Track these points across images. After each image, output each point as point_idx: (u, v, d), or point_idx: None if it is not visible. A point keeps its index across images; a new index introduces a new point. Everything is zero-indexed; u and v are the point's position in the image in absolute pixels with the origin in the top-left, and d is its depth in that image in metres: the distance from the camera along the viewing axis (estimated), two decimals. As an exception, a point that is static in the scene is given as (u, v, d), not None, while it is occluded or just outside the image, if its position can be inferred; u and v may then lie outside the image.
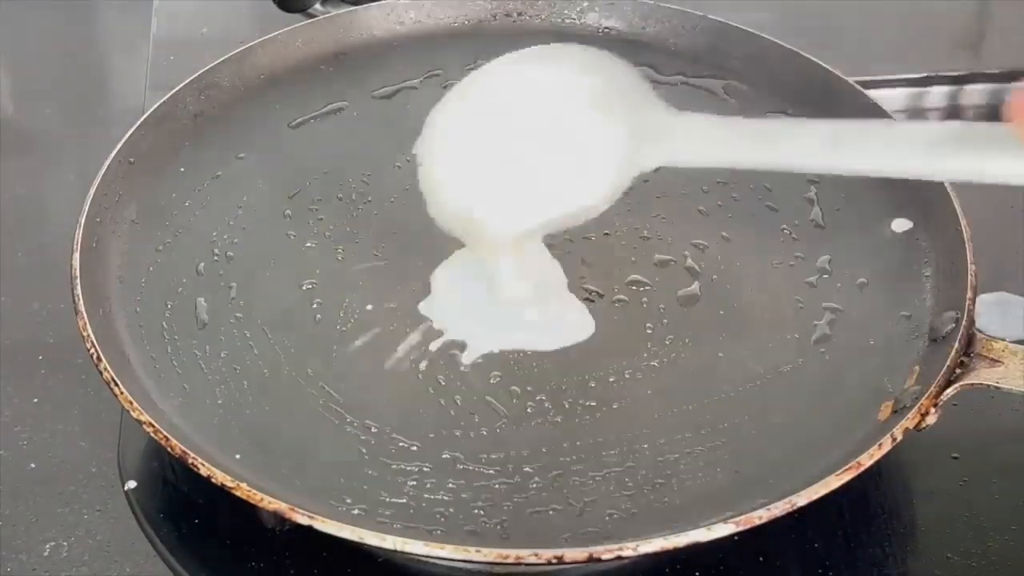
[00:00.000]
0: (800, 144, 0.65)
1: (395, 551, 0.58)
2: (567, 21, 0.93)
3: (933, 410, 0.63)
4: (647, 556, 0.58)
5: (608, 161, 0.67)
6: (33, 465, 0.69)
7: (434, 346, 0.71)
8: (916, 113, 0.96)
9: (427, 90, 0.87)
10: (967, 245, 0.71)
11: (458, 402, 0.68)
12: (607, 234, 0.77)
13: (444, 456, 0.65)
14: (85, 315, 0.67)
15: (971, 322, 0.67)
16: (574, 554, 0.58)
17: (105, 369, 0.64)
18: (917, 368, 0.67)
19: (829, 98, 0.84)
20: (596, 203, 0.68)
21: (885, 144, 0.64)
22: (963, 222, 0.72)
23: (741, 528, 0.58)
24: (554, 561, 0.58)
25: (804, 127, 0.67)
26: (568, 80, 0.69)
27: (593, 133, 0.67)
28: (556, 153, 0.67)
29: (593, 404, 0.68)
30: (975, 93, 0.98)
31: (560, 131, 0.67)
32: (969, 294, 0.68)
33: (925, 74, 0.97)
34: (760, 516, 0.59)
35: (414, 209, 0.71)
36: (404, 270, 0.75)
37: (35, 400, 0.73)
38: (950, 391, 0.64)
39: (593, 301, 0.73)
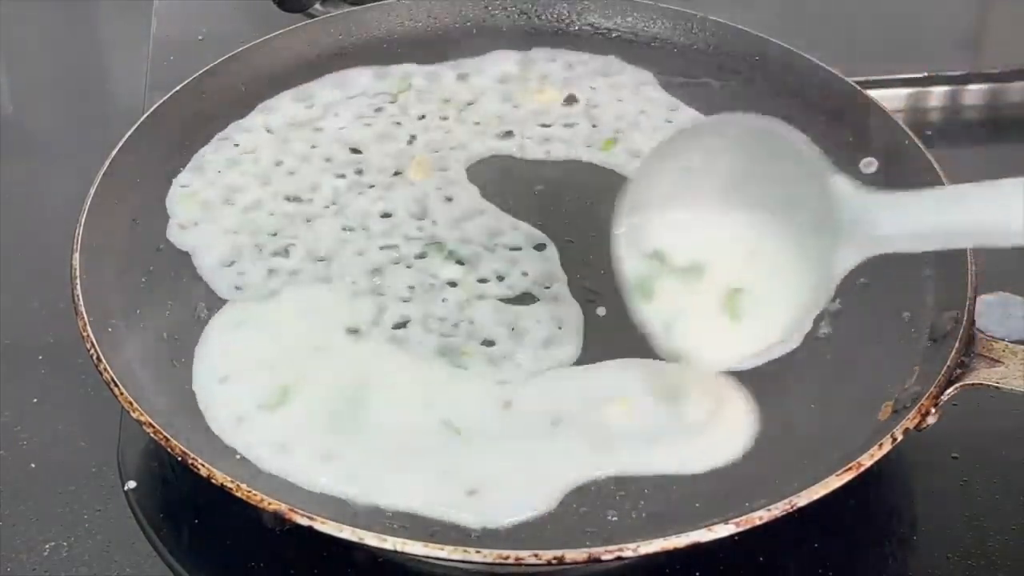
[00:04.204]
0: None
1: (395, 551, 0.58)
2: (567, 22, 0.93)
3: (933, 410, 0.63)
4: (647, 556, 0.58)
5: (810, 290, 0.64)
6: (33, 465, 0.69)
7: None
8: (916, 113, 0.96)
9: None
10: (967, 245, 0.71)
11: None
12: (608, 234, 0.77)
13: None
14: (85, 315, 0.67)
15: (971, 322, 0.67)
16: (574, 554, 0.57)
17: (105, 369, 0.64)
18: (917, 368, 0.67)
19: (829, 98, 0.84)
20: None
21: None
22: (963, 222, 0.72)
23: (741, 528, 0.58)
24: (554, 561, 0.57)
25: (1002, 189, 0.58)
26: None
27: (799, 256, 0.64)
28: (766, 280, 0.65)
29: (593, 404, 0.68)
30: (975, 93, 0.98)
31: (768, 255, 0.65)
32: (969, 294, 0.68)
33: (925, 74, 0.97)
34: (760, 516, 0.59)
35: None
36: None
37: (35, 400, 0.73)
38: (950, 391, 0.64)
39: (593, 301, 0.73)
